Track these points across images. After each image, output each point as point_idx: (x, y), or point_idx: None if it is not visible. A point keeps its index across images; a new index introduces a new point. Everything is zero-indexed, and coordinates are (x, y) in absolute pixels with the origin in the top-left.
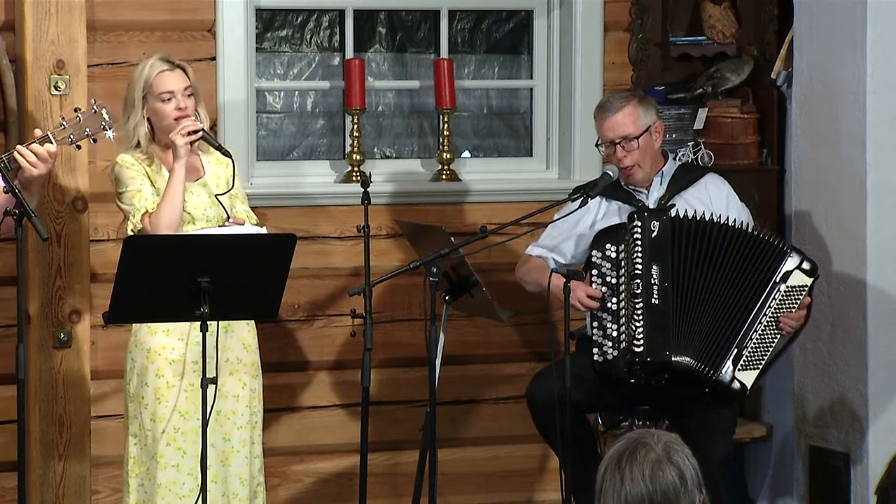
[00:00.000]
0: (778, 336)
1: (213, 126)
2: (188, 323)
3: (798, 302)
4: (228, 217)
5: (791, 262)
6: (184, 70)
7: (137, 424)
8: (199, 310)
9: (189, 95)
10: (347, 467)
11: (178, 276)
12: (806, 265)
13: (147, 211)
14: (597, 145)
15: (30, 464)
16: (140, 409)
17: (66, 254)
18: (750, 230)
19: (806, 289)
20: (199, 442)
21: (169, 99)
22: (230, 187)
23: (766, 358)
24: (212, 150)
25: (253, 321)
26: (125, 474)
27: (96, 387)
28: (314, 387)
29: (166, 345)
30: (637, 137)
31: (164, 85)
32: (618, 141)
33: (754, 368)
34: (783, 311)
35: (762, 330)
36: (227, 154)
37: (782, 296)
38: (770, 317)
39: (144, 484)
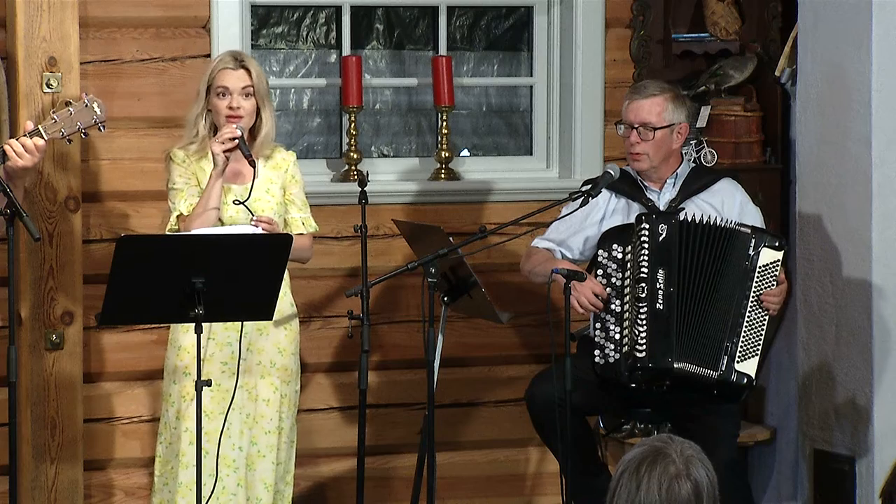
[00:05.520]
0: (766, 318)
1: None
2: (220, 323)
3: (775, 278)
4: (253, 216)
5: (756, 243)
6: (248, 70)
7: (164, 422)
8: (193, 311)
9: (247, 96)
10: (345, 471)
11: (173, 277)
12: (771, 241)
13: (181, 213)
14: (616, 123)
15: (21, 468)
16: (167, 407)
17: (59, 254)
18: (718, 224)
19: (778, 264)
20: (224, 443)
21: (224, 94)
22: (246, 197)
23: (760, 342)
24: (275, 151)
25: (294, 324)
26: (155, 473)
27: (89, 390)
28: (311, 389)
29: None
30: (656, 129)
31: (222, 80)
32: (636, 126)
33: (753, 356)
34: (764, 292)
35: (749, 316)
36: (252, 164)
37: (759, 277)
38: (753, 301)
39: (168, 483)
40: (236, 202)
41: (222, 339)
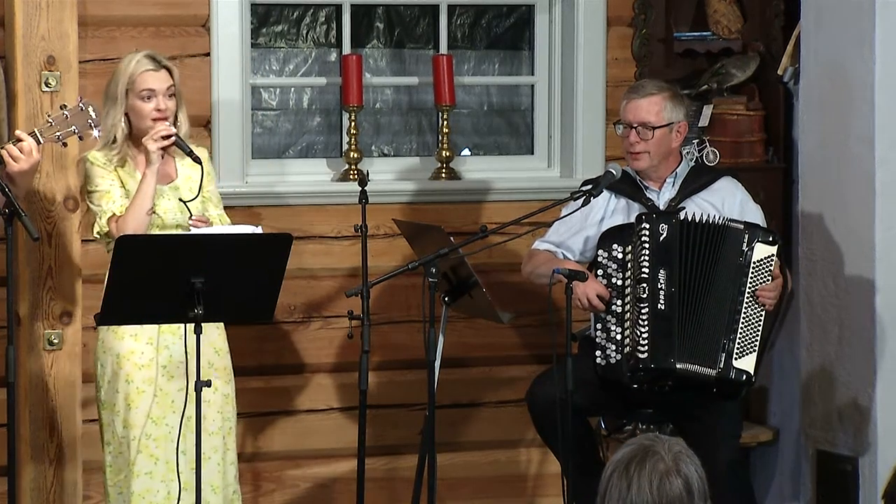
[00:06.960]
0: (762, 313)
1: (208, 123)
2: (156, 326)
3: (770, 273)
4: (191, 216)
5: (749, 238)
6: (169, 70)
7: (111, 432)
8: (192, 311)
9: (171, 96)
10: (345, 472)
11: (172, 277)
12: (764, 235)
13: (114, 214)
14: (614, 124)
15: (20, 469)
16: (112, 416)
17: (57, 254)
18: (714, 222)
19: (773, 258)
20: (172, 448)
21: (149, 97)
22: (195, 195)
23: (757, 339)
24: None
25: (222, 325)
26: (104, 483)
27: (88, 390)
28: (311, 390)
29: (134, 349)
30: (655, 128)
31: (146, 83)
32: (635, 125)
33: (750, 352)
34: (759, 287)
35: (745, 312)
36: (197, 160)
37: (753, 272)
38: (749, 297)
39: (123, 492)
40: (182, 201)
41: (161, 343)
